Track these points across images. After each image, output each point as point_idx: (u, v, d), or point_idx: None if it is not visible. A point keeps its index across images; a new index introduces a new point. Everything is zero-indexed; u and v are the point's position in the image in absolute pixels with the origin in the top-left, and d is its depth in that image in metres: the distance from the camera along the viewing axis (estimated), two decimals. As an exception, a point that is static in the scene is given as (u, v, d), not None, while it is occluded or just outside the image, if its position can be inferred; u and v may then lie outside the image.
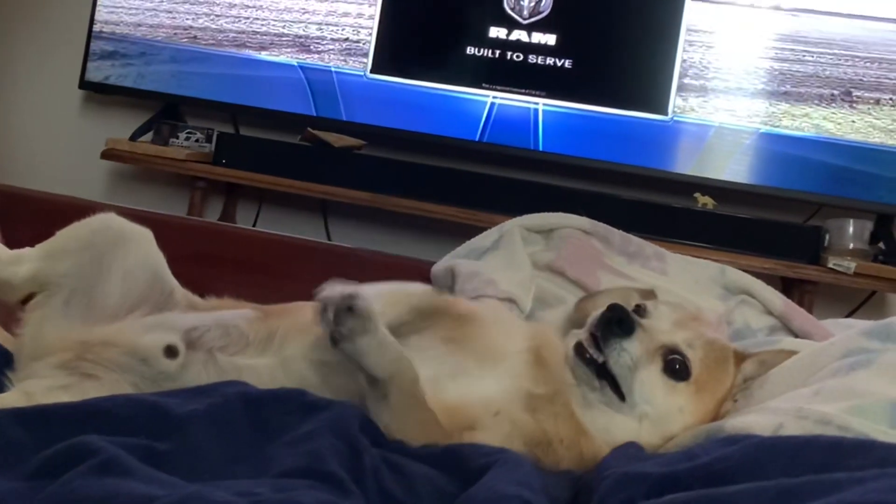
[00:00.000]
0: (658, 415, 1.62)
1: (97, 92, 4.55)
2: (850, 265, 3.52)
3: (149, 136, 4.32)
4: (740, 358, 1.75)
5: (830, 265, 3.55)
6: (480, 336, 1.67)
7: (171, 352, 1.60)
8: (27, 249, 1.72)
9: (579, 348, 1.63)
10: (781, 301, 2.22)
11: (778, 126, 3.85)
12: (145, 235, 1.78)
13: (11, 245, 1.73)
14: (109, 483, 1.04)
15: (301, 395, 1.44)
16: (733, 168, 3.87)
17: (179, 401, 1.39)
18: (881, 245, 3.75)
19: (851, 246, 3.66)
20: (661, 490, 1.20)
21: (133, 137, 4.30)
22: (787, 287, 3.52)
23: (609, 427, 1.62)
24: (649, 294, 1.92)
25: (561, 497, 1.42)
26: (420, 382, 1.48)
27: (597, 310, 1.67)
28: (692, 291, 2.18)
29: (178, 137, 4.22)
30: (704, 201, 3.81)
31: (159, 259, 1.79)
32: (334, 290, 1.48)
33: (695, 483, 1.19)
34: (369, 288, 1.53)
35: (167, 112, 4.42)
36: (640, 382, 1.61)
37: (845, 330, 1.89)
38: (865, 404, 1.39)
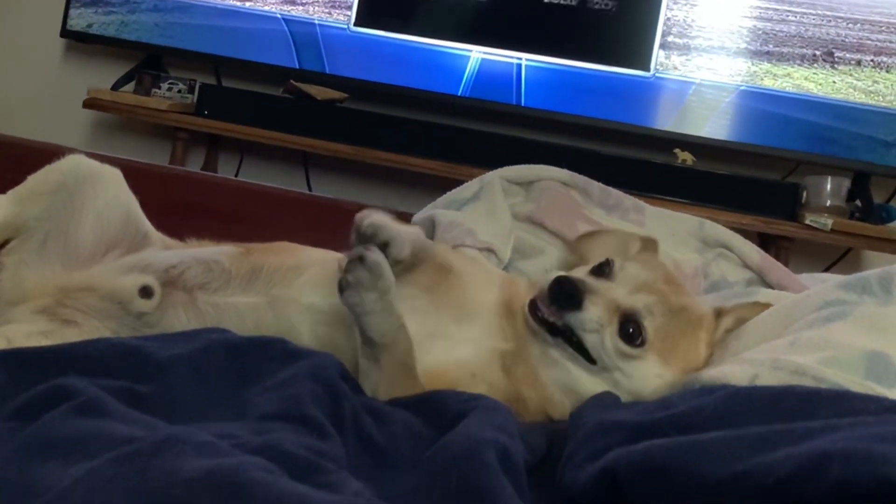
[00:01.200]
0: (625, 379, 1.60)
1: (79, 41, 4.53)
2: (827, 222, 3.56)
3: (131, 86, 4.31)
4: (718, 315, 1.74)
5: (807, 221, 3.58)
6: (457, 287, 1.68)
7: (146, 292, 1.62)
8: None
9: (533, 306, 1.62)
10: (759, 255, 2.24)
11: (759, 84, 3.86)
12: (115, 174, 1.78)
13: (-7, 191, 1.73)
14: (88, 424, 1.04)
15: (282, 343, 1.45)
16: (713, 125, 3.90)
17: (161, 345, 1.39)
18: (858, 203, 3.78)
19: (828, 203, 3.70)
20: (636, 438, 1.21)
21: (115, 87, 4.29)
22: (765, 243, 3.54)
23: (569, 384, 1.63)
24: (650, 243, 1.92)
25: (536, 444, 1.44)
26: (413, 351, 1.50)
27: (549, 274, 1.66)
28: (669, 244, 2.18)
29: (160, 88, 4.22)
30: (684, 157, 3.83)
31: (131, 199, 1.79)
32: (372, 220, 1.52)
33: (670, 431, 1.20)
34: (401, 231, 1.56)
35: (149, 62, 4.40)
36: (597, 344, 1.60)
37: (821, 284, 1.90)
38: (841, 356, 1.39)
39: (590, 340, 1.59)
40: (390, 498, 1.06)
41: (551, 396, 1.62)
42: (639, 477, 1.11)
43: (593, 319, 1.59)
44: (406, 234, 1.57)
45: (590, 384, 1.61)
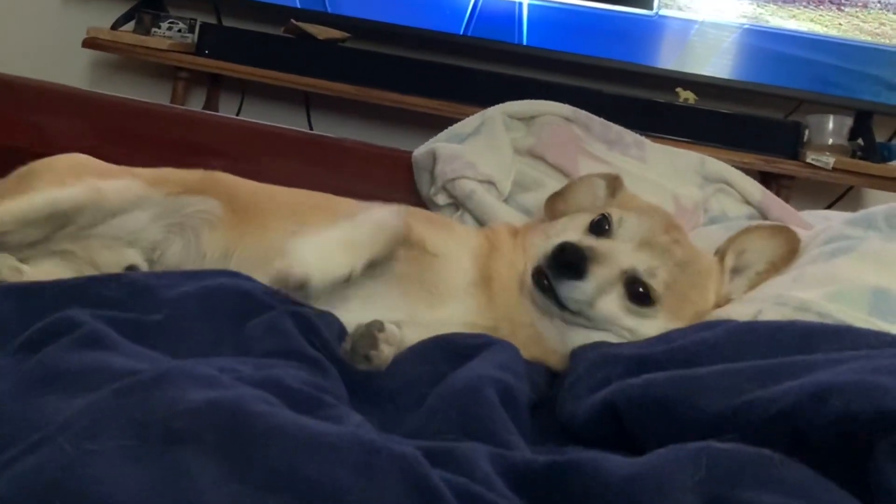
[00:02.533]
0: (630, 333, 1.60)
1: (78, -21, 4.49)
2: (829, 160, 3.55)
3: (130, 25, 4.27)
4: (721, 259, 1.72)
5: (809, 160, 3.57)
6: (429, 270, 1.67)
7: (132, 271, 1.64)
8: None
9: (537, 274, 1.62)
10: (760, 191, 2.23)
11: (762, 22, 3.84)
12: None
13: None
14: (90, 356, 1.05)
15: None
16: (716, 63, 3.87)
17: (171, 282, 1.40)
18: (860, 141, 3.77)
19: (830, 142, 3.69)
20: (637, 370, 1.22)
21: (115, 26, 4.25)
22: (766, 181, 3.52)
23: (567, 338, 1.62)
24: (615, 180, 1.90)
25: (541, 383, 1.44)
26: None
27: (548, 241, 1.65)
28: (670, 179, 2.18)
29: (160, 27, 4.18)
30: (686, 96, 3.81)
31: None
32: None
33: (670, 364, 1.21)
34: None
35: (149, 1, 4.35)
36: (605, 311, 1.59)
37: (823, 221, 1.90)
38: (845, 290, 1.40)
39: (585, 308, 1.59)
40: (392, 433, 1.06)
41: (554, 351, 1.62)
42: (639, 410, 1.12)
43: (588, 292, 1.58)
44: (329, 267, 1.52)
45: (587, 337, 1.60)
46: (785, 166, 3.63)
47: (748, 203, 2.22)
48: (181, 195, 1.75)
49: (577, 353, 1.48)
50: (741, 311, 1.47)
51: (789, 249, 1.66)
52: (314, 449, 0.79)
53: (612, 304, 1.59)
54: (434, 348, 1.42)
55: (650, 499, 0.82)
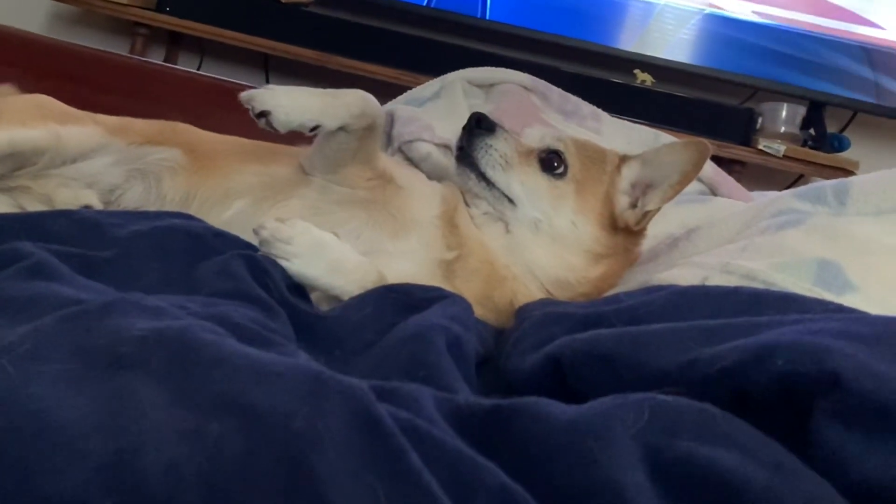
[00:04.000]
0: (550, 222, 1.66)
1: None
2: (780, 148, 3.59)
3: (91, -22, 4.23)
4: (621, 160, 1.79)
5: (761, 147, 3.61)
6: (396, 201, 1.69)
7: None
8: None
9: (458, 148, 1.71)
10: (711, 168, 2.26)
11: (721, 9, 3.86)
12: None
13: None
14: (37, 285, 1.04)
15: (238, 238, 1.47)
16: (674, 47, 3.89)
17: (122, 220, 1.40)
18: (811, 131, 3.81)
19: (783, 130, 3.74)
20: (582, 328, 1.22)
21: (74, -19, 4.21)
22: (718, 166, 3.56)
23: (512, 247, 1.66)
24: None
25: (489, 339, 1.45)
26: None
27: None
28: (625, 151, 2.20)
29: (121, -19, 4.14)
30: (643, 78, 3.83)
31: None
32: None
33: (618, 323, 1.21)
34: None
35: (110, -44, 4.31)
36: (521, 182, 1.67)
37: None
38: (791, 261, 1.41)
39: (499, 172, 1.69)
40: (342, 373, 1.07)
41: (512, 277, 1.65)
42: (583, 364, 1.12)
43: (499, 150, 1.68)
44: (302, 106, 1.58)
45: (525, 240, 1.69)
46: (737, 151, 3.67)
47: (700, 180, 2.24)
48: (143, 145, 1.75)
49: (523, 311, 1.49)
50: (688, 276, 1.49)
51: (699, 157, 1.71)
52: (260, 376, 0.80)
53: (530, 174, 1.70)
54: (385, 297, 1.42)
55: (592, 442, 0.82)
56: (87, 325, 0.88)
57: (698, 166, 1.71)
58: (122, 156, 1.73)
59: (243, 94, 1.56)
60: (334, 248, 1.48)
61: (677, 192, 1.72)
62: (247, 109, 1.56)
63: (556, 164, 1.69)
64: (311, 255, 1.46)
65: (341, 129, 1.60)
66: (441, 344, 1.14)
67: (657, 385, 1.01)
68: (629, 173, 1.77)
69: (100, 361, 0.82)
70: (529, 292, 1.65)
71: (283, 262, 1.43)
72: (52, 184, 1.67)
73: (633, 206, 1.75)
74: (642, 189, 1.76)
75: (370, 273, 1.49)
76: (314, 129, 1.58)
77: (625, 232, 1.75)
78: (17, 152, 1.64)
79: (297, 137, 1.62)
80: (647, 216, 1.74)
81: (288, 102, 1.54)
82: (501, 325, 1.60)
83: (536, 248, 1.68)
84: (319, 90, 1.61)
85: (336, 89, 1.63)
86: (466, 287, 1.62)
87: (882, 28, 3.81)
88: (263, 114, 1.53)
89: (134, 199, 1.70)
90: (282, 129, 1.55)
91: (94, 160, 1.71)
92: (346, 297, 1.45)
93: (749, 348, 0.96)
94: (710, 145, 1.70)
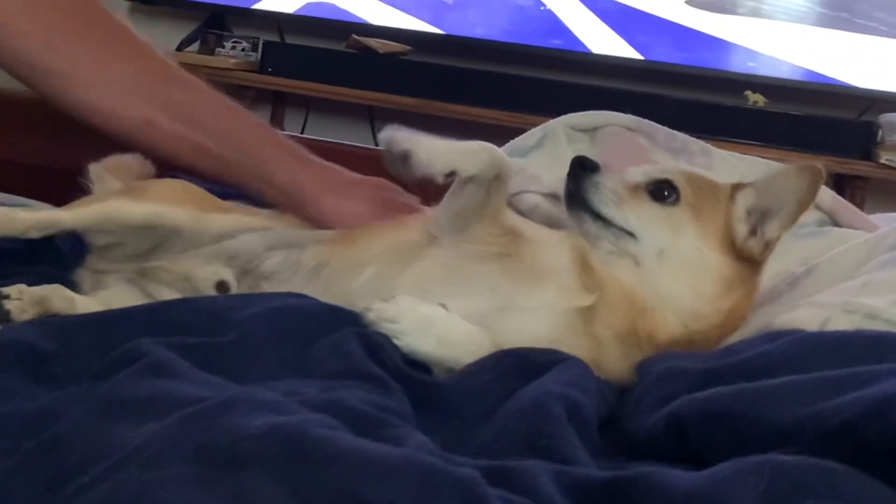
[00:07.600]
0: (675, 249, 1.63)
1: (143, 3, 4.53)
2: (904, 161, 3.51)
3: (195, 46, 4.33)
4: (734, 188, 1.72)
5: (883, 160, 3.53)
6: (528, 252, 1.67)
7: (222, 287, 1.65)
8: None
9: (567, 194, 1.67)
10: (830, 196, 2.20)
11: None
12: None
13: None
14: (157, 384, 1.06)
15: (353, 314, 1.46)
16: (783, 65, 3.85)
17: (240, 304, 1.42)
18: (934, 141, 3.72)
19: (905, 141, 3.64)
20: (702, 385, 1.20)
21: (179, 48, 4.31)
22: (839, 184, 3.50)
23: (644, 280, 1.64)
24: None
25: (612, 399, 1.44)
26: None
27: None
28: (737, 183, 2.18)
29: (223, 47, 4.24)
30: (755, 99, 3.78)
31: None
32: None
33: (736, 378, 1.19)
34: None
35: (213, 22, 4.41)
36: (636, 216, 1.62)
37: (894, 223, 1.87)
38: (914, 298, 1.35)
39: (612, 207, 1.63)
40: (457, 449, 1.06)
41: (650, 309, 1.63)
42: (704, 423, 1.11)
43: (608, 186, 1.63)
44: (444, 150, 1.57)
45: (655, 271, 1.62)
46: (858, 167, 3.59)
47: (818, 208, 2.19)
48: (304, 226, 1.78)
49: (643, 367, 1.47)
50: (809, 317, 1.45)
51: (814, 182, 1.66)
52: (372, 471, 0.80)
53: (642, 206, 1.63)
54: (503, 362, 1.42)
55: (712, 512, 0.82)
56: (206, 424, 0.89)
57: (813, 191, 1.67)
58: (277, 234, 1.76)
59: (383, 135, 1.55)
60: (442, 322, 1.48)
61: (795, 219, 1.68)
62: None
63: (667, 193, 1.66)
64: (418, 331, 1.45)
65: (471, 179, 1.61)
66: (560, 412, 1.13)
67: (778, 441, 0.99)
68: (743, 201, 1.73)
69: (219, 461, 0.83)
70: (667, 325, 1.63)
71: (395, 340, 1.43)
72: (192, 263, 1.70)
73: (752, 234, 1.72)
74: (758, 217, 1.73)
75: (483, 343, 1.48)
76: (449, 174, 1.58)
77: (748, 262, 1.72)
78: (158, 225, 1.68)
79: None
80: (769, 246, 1.71)
81: (428, 145, 1.54)
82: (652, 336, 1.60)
83: (667, 277, 1.64)
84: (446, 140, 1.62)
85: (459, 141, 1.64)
86: (608, 327, 1.60)
87: None
88: (404, 155, 1.54)
89: (271, 266, 1.70)
90: (418, 172, 1.54)
91: (239, 238, 1.74)
92: (460, 368, 1.44)
93: (868, 399, 0.94)
94: (824, 168, 1.67)
